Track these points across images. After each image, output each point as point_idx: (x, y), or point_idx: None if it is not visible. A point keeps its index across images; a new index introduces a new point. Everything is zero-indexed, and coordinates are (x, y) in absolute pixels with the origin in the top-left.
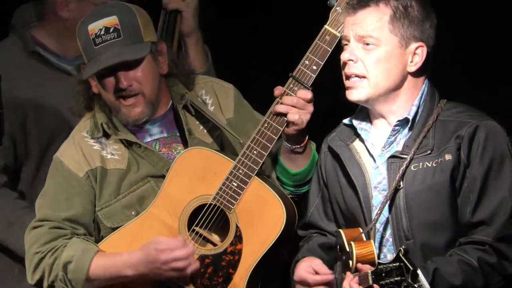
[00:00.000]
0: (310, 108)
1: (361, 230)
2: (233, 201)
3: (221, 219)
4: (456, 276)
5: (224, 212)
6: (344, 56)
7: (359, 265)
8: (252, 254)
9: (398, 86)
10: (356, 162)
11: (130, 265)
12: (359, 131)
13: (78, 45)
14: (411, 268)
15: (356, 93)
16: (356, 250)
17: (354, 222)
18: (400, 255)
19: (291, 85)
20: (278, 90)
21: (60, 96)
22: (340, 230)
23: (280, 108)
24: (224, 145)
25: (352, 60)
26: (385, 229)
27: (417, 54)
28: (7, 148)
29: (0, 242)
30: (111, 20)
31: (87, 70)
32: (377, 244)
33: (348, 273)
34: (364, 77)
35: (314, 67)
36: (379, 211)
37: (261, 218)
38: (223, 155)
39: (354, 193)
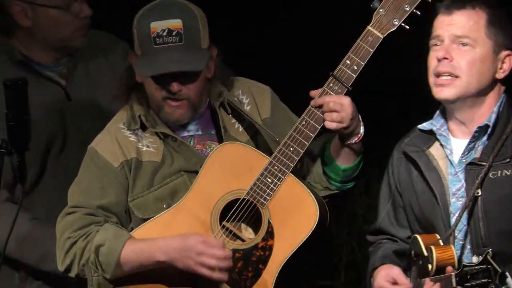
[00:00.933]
0: (348, 109)
1: (438, 236)
2: (267, 197)
3: (253, 214)
4: None
5: (257, 208)
6: (439, 54)
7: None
8: (283, 250)
9: (486, 91)
10: (433, 169)
11: (163, 250)
12: (438, 137)
13: (51, 52)
14: (499, 271)
15: (447, 91)
16: (436, 254)
17: (431, 228)
18: (488, 257)
19: (331, 84)
20: (316, 91)
21: (45, 105)
22: (417, 236)
23: (317, 105)
24: (259, 144)
25: (447, 59)
26: (462, 235)
27: (505, 62)
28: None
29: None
30: (176, 24)
31: (143, 68)
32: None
33: (427, 279)
34: (457, 76)
35: (355, 67)
36: (458, 217)
37: (293, 215)
38: (259, 151)
39: (432, 200)
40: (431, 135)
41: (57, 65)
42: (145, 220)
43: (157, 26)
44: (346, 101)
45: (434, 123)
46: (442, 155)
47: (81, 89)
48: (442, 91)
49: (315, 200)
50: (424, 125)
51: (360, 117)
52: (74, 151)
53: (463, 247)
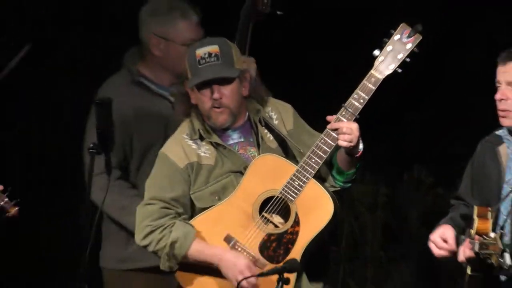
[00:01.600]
0: (356, 132)
1: (489, 209)
2: (294, 195)
3: (284, 208)
4: None
5: (286, 203)
6: (497, 96)
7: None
8: (306, 235)
9: None
10: (497, 161)
11: (217, 256)
12: (504, 140)
13: (170, 76)
14: (501, 248)
15: (507, 121)
16: (477, 224)
17: (486, 202)
18: (497, 237)
19: (343, 113)
20: (331, 116)
21: (156, 115)
22: (475, 206)
23: (333, 128)
24: (286, 151)
25: (503, 99)
26: (506, 213)
27: None
28: (119, 152)
29: (115, 220)
30: (214, 48)
31: (191, 81)
32: (501, 224)
33: (467, 239)
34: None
35: (361, 101)
36: (503, 199)
37: (314, 209)
38: (288, 161)
39: (489, 183)
40: (501, 137)
41: (171, 87)
42: (203, 209)
43: (200, 51)
44: (355, 126)
45: (503, 130)
46: (506, 153)
47: None
48: (505, 121)
49: (331, 199)
50: (498, 132)
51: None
52: None
53: (506, 223)
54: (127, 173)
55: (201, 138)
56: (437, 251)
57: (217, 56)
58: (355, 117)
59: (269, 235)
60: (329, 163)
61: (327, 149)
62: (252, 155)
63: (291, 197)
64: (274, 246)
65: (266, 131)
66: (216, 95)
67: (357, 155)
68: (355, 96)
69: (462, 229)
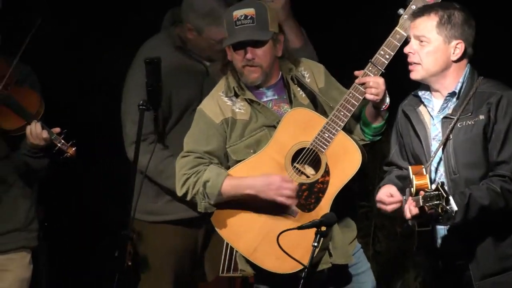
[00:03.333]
0: (382, 86)
1: (423, 166)
2: (325, 146)
3: (314, 158)
4: (484, 199)
5: (317, 154)
6: (406, 49)
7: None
8: (335, 184)
9: (444, 70)
10: (420, 121)
11: (251, 186)
12: (422, 100)
13: (207, 49)
14: (445, 196)
15: (414, 74)
16: (415, 181)
17: (419, 161)
18: (439, 186)
19: (370, 68)
20: (358, 72)
21: (193, 79)
22: (409, 167)
23: (360, 82)
24: (317, 106)
25: (411, 52)
26: (438, 166)
27: (457, 48)
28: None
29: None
30: (250, 11)
31: (226, 41)
32: (434, 177)
33: (409, 198)
34: (419, 63)
35: (387, 56)
36: (434, 154)
37: (343, 159)
38: (319, 114)
39: (419, 142)
40: (419, 99)
41: (208, 58)
42: (238, 161)
43: (238, 13)
44: (381, 80)
45: (420, 90)
46: (426, 112)
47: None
48: (411, 74)
49: (359, 150)
50: (414, 92)
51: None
52: None
53: (440, 175)
54: (162, 135)
55: (236, 95)
56: (387, 207)
57: (252, 18)
58: (381, 71)
59: (301, 185)
60: (358, 117)
61: (355, 103)
62: (285, 111)
63: (321, 148)
64: (306, 195)
65: (298, 88)
66: (249, 55)
67: (384, 108)
68: (381, 52)
69: (401, 189)
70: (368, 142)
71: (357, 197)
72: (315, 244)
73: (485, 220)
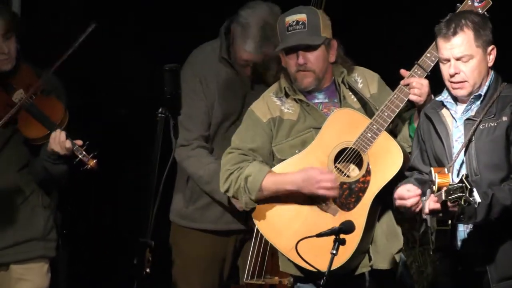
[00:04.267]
0: (426, 88)
1: (445, 168)
2: (367, 146)
3: (356, 158)
4: (507, 200)
5: (360, 154)
6: (451, 71)
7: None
8: (376, 184)
9: (485, 78)
10: (442, 123)
11: (291, 181)
12: (445, 103)
13: (243, 61)
14: (469, 187)
15: (462, 91)
16: (438, 179)
17: (440, 163)
18: (463, 178)
19: (416, 69)
20: (404, 72)
21: (235, 92)
22: (432, 168)
23: (405, 83)
24: (366, 111)
25: (457, 73)
26: (461, 168)
27: (492, 54)
28: (203, 121)
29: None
30: (302, 16)
31: (279, 46)
32: (455, 179)
33: (431, 194)
34: (466, 81)
35: (433, 59)
36: (457, 155)
37: (385, 160)
38: (363, 115)
39: (441, 144)
40: (442, 102)
41: (245, 68)
42: (283, 160)
43: (289, 19)
44: (425, 82)
45: (443, 95)
46: (449, 114)
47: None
48: (459, 92)
49: (401, 151)
50: (438, 97)
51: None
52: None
53: (459, 176)
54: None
55: (286, 95)
56: (407, 202)
57: (304, 24)
58: (426, 73)
59: (342, 184)
60: (408, 127)
61: (400, 104)
62: None
63: (364, 148)
64: (346, 194)
65: (350, 93)
66: (301, 60)
67: None
68: (427, 54)
69: (420, 189)
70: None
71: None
72: (334, 251)
73: (506, 221)
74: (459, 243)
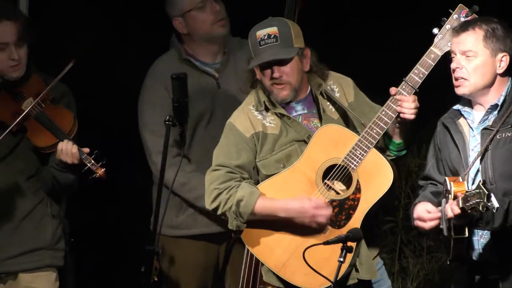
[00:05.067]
0: (413, 105)
1: (460, 177)
2: (356, 163)
3: (346, 175)
4: None
5: (348, 171)
6: (453, 65)
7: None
8: (367, 201)
9: (490, 84)
10: (459, 132)
11: (284, 209)
12: (462, 113)
13: (211, 53)
14: (487, 193)
15: (461, 89)
16: (454, 188)
17: (456, 173)
18: (480, 184)
19: (404, 86)
20: (393, 90)
21: (203, 91)
22: (446, 177)
23: (394, 102)
24: (347, 122)
25: (458, 68)
26: (475, 177)
27: (503, 61)
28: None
29: (176, 193)
30: (273, 30)
31: (252, 62)
32: (470, 187)
33: (450, 201)
34: (466, 79)
35: (421, 75)
36: (472, 163)
37: (375, 177)
38: (351, 131)
39: (457, 153)
40: (459, 111)
41: (214, 63)
42: (268, 176)
43: (261, 33)
44: (413, 99)
45: (460, 104)
46: (466, 124)
47: (228, 80)
48: (459, 90)
49: (390, 168)
50: (455, 106)
51: None
52: (217, 124)
53: (474, 185)
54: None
55: (266, 109)
56: (426, 224)
57: (276, 37)
58: (414, 90)
59: (332, 201)
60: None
61: (388, 121)
62: (315, 125)
63: (353, 165)
64: (336, 212)
65: (328, 103)
66: (276, 74)
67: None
68: (415, 71)
69: (437, 205)
70: (393, 157)
71: (381, 212)
72: (341, 259)
73: None
74: (475, 252)
